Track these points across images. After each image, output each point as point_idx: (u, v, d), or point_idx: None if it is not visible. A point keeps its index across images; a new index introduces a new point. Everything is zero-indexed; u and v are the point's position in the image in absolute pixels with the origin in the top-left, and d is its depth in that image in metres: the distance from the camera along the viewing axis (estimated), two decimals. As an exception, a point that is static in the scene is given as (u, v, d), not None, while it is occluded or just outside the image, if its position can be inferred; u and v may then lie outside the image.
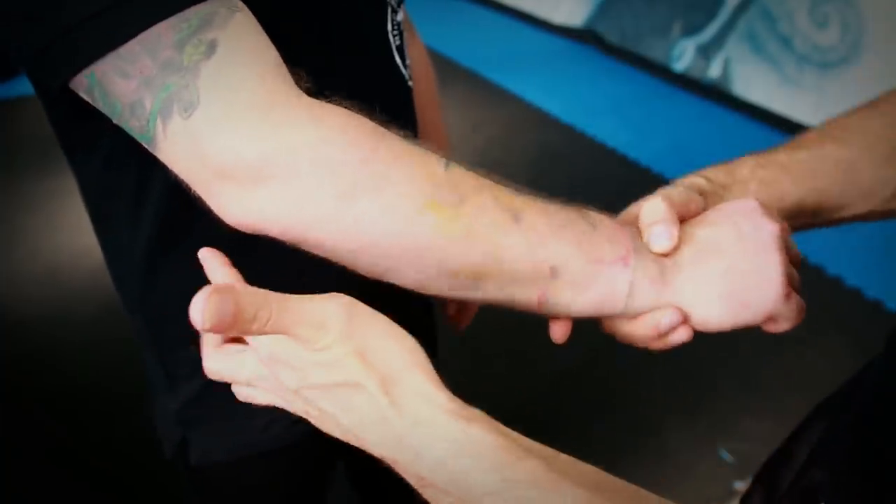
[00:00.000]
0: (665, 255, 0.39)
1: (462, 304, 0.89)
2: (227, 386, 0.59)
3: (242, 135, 0.34)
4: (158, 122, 0.34)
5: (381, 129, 0.37)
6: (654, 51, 3.26)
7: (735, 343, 1.91)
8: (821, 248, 2.12)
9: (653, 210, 0.40)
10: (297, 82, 0.36)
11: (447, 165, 0.37)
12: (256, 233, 0.36)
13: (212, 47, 0.34)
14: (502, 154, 2.67)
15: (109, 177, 0.49)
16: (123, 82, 0.34)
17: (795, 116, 2.69)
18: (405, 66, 0.57)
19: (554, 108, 3.01)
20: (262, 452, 0.63)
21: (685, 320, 0.39)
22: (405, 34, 0.74)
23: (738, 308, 0.38)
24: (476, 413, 0.30)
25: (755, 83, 2.84)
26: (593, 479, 0.29)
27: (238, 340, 0.35)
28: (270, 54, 0.36)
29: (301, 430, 0.62)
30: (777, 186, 0.46)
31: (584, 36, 3.63)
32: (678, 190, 0.43)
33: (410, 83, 0.59)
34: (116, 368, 1.34)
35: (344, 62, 0.50)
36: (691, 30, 3.07)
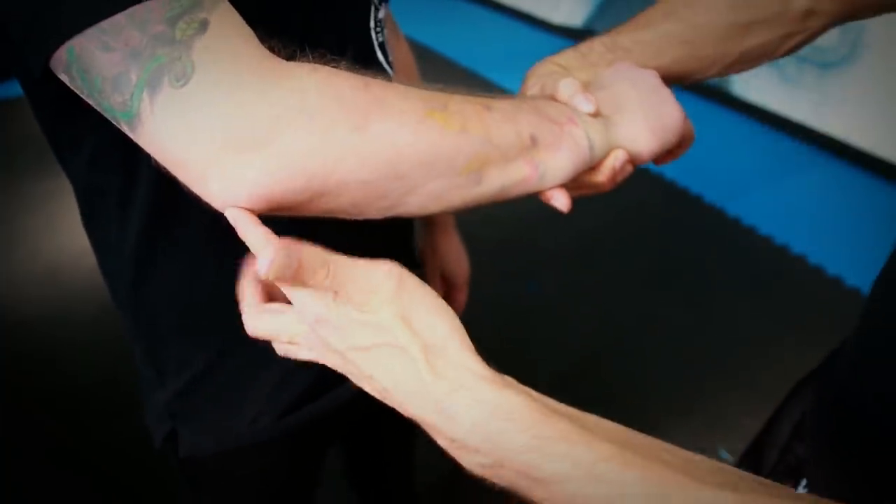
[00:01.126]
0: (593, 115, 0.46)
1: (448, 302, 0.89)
2: (214, 379, 0.60)
3: (248, 93, 0.33)
4: (145, 95, 0.33)
5: (361, 76, 0.39)
6: (653, 51, 3.26)
7: (735, 343, 1.91)
8: (821, 248, 2.12)
9: (568, 86, 0.47)
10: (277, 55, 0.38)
11: (415, 84, 0.41)
12: (266, 205, 0.35)
13: (204, 25, 0.34)
14: (502, 154, 2.67)
15: (95, 175, 0.49)
16: (106, 55, 0.33)
17: (795, 116, 2.69)
18: (388, 62, 0.57)
19: (554, 108, 3.01)
20: (251, 445, 0.63)
21: (629, 158, 0.47)
22: (390, 32, 0.75)
23: (661, 133, 0.48)
24: (508, 380, 0.32)
25: (755, 83, 2.84)
26: (620, 436, 0.31)
27: (272, 299, 0.38)
28: (255, 36, 0.37)
29: (289, 422, 0.63)
30: None
31: (584, 36, 3.61)
32: (551, 75, 0.50)
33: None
34: (116, 368, 1.34)
35: (326, 59, 0.51)
36: (691, 30, 3.07)
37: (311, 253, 0.33)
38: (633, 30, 0.53)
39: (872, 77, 2.42)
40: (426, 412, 0.31)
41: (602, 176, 0.47)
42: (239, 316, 0.57)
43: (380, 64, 0.56)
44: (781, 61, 2.71)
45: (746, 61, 0.55)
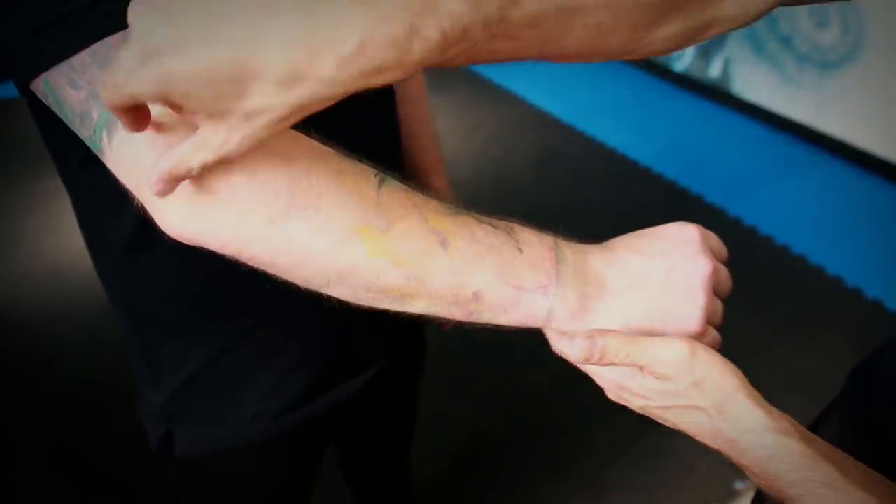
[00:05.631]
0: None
1: None
2: (210, 379, 0.60)
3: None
4: (104, 133, 0.35)
5: (319, 149, 0.37)
6: (654, 51, 3.26)
7: (735, 343, 1.90)
8: (821, 247, 2.12)
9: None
10: None
11: (380, 185, 0.38)
12: (196, 246, 0.37)
13: None
14: (502, 154, 2.67)
15: (89, 175, 0.49)
16: (74, 92, 0.35)
17: (795, 116, 2.69)
18: None
19: (554, 108, 3.01)
20: (248, 445, 0.63)
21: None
22: None
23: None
24: (787, 426, 0.38)
25: (755, 83, 2.83)
26: (884, 490, 0.36)
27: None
28: None
29: (287, 422, 0.63)
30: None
31: (584, 36, 3.62)
32: None
33: None
34: (116, 368, 1.34)
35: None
36: (691, 30, 3.07)
37: (613, 339, 0.39)
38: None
39: (872, 77, 2.42)
40: (721, 447, 0.39)
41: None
42: (235, 315, 0.58)
43: None
44: (782, 60, 2.71)
45: (666, 46, 0.42)
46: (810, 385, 1.61)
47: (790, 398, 1.58)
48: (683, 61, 3.13)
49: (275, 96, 0.27)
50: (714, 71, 2.99)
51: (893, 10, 2.33)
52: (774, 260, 2.09)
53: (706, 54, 3.01)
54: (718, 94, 2.97)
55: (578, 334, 0.39)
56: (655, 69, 3.26)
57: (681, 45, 0.40)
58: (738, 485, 1.41)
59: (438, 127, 0.86)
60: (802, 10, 2.60)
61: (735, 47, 2.89)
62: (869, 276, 1.99)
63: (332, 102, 0.28)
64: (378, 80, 0.28)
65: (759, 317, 1.85)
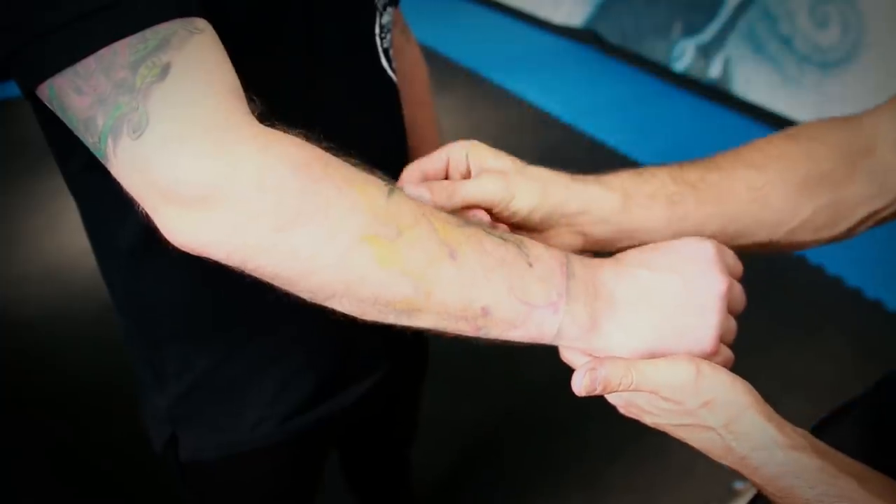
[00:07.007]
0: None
1: None
2: (214, 384, 0.60)
3: (187, 160, 0.33)
4: (109, 140, 0.34)
5: (326, 158, 0.36)
6: (654, 51, 3.26)
7: (734, 342, 1.90)
8: (821, 247, 2.12)
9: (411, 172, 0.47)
10: (251, 108, 0.36)
11: (389, 194, 0.37)
12: (201, 255, 0.36)
13: (165, 70, 0.33)
14: (502, 154, 2.67)
15: (93, 180, 0.49)
16: (78, 98, 0.34)
17: (796, 116, 2.68)
18: (392, 68, 0.57)
19: (554, 108, 3.01)
20: (253, 450, 0.63)
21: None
22: (400, 35, 0.74)
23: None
24: (800, 441, 0.37)
25: (755, 83, 2.83)
26: None
27: None
28: (225, 79, 0.35)
29: (291, 427, 0.63)
30: (682, 206, 0.47)
31: (584, 36, 3.62)
32: (484, 181, 0.46)
33: (398, 85, 0.59)
34: (117, 368, 1.34)
35: (331, 65, 0.51)
36: (691, 30, 3.07)
37: (614, 367, 0.38)
38: (704, 169, 0.48)
39: (872, 77, 2.42)
40: (733, 464, 0.38)
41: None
42: (240, 320, 0.58)
43: (383, 70, 0.56)
44: (782, 60, 2.71)
45: (819, 225, 0.49)
46: (809, 385, 1.61)
47: (789, 398, 1.58)
48: (683, 61, 3.13)
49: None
50: (714, 71, 2.99)
51: (893, 10, 2.33)
52: (774, 260, 2.09)
53: (706, 54, 3.02)
54: (718, 95, 2.97)
55: (579, 368, 0.39)
56: (655, 69, 3.26)
57: (831, 222, 0.51)
58: (738, 485, 1.41)
59: (440, 127, 0.87)
60: (803, 10, 2.60)
61: (735, 47, 2.89)
62: (869, 276, 1.99)
63: None
64: None
65: (758, 316, 1.85)
